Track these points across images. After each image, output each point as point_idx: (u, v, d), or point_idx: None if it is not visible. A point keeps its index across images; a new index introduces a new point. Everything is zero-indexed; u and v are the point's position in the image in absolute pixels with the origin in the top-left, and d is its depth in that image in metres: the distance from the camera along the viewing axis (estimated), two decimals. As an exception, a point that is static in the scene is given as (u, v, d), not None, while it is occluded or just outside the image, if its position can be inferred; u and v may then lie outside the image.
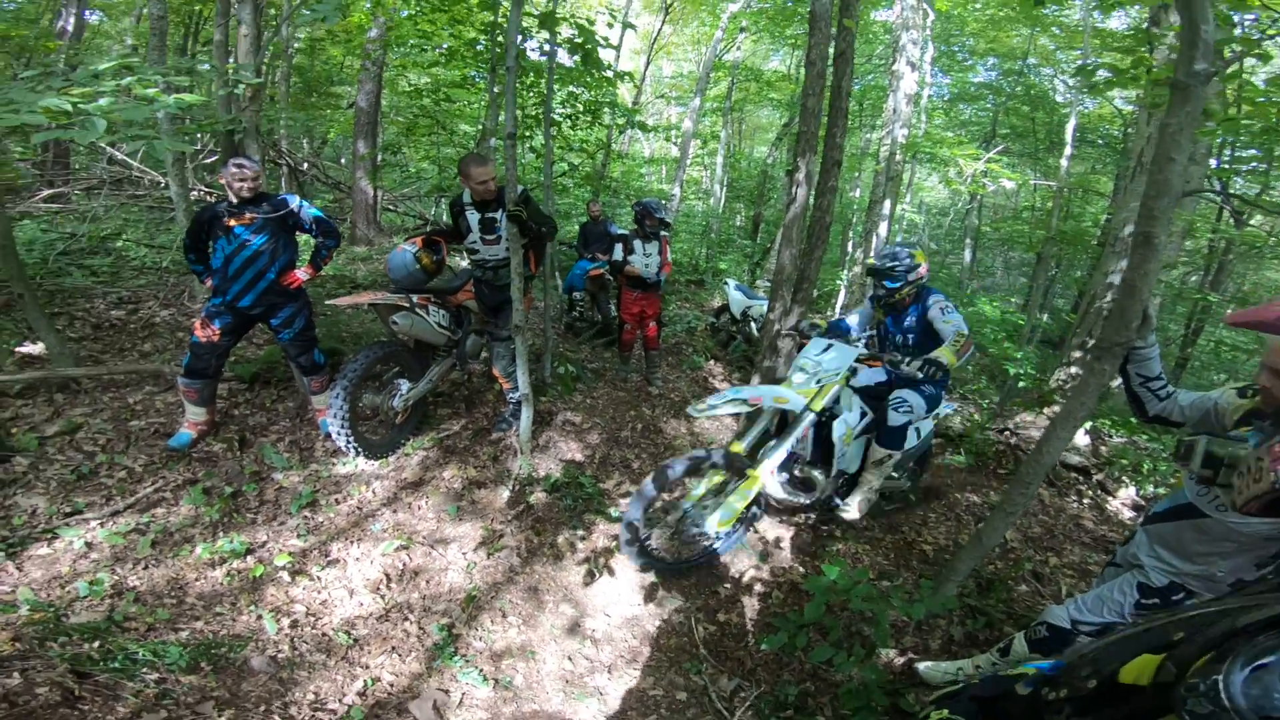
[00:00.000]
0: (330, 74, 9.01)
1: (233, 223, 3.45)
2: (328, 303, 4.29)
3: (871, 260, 4.28)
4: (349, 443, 3.57)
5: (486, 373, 4.75)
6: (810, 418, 3.14)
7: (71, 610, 2.52)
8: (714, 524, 2.85)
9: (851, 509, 3.47)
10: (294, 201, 3.61)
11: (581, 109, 7.03)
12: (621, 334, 5.67)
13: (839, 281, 8.28)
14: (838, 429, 3.27)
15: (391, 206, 9.69)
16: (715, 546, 3.35)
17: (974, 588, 3.32)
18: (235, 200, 3.45)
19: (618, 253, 5.25)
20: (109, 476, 3.27)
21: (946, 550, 3.75)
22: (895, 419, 3.31)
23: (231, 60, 4.79)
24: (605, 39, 4.42)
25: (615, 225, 7.11)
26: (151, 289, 5.21)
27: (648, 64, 13.47)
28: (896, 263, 3.33)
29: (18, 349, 4.09)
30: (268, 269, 3.53)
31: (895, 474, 3.80)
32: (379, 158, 9.10)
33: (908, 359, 3.06)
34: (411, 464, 3.79)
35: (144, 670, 2.22)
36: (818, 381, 3.21)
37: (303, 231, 3.69)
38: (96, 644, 2.29)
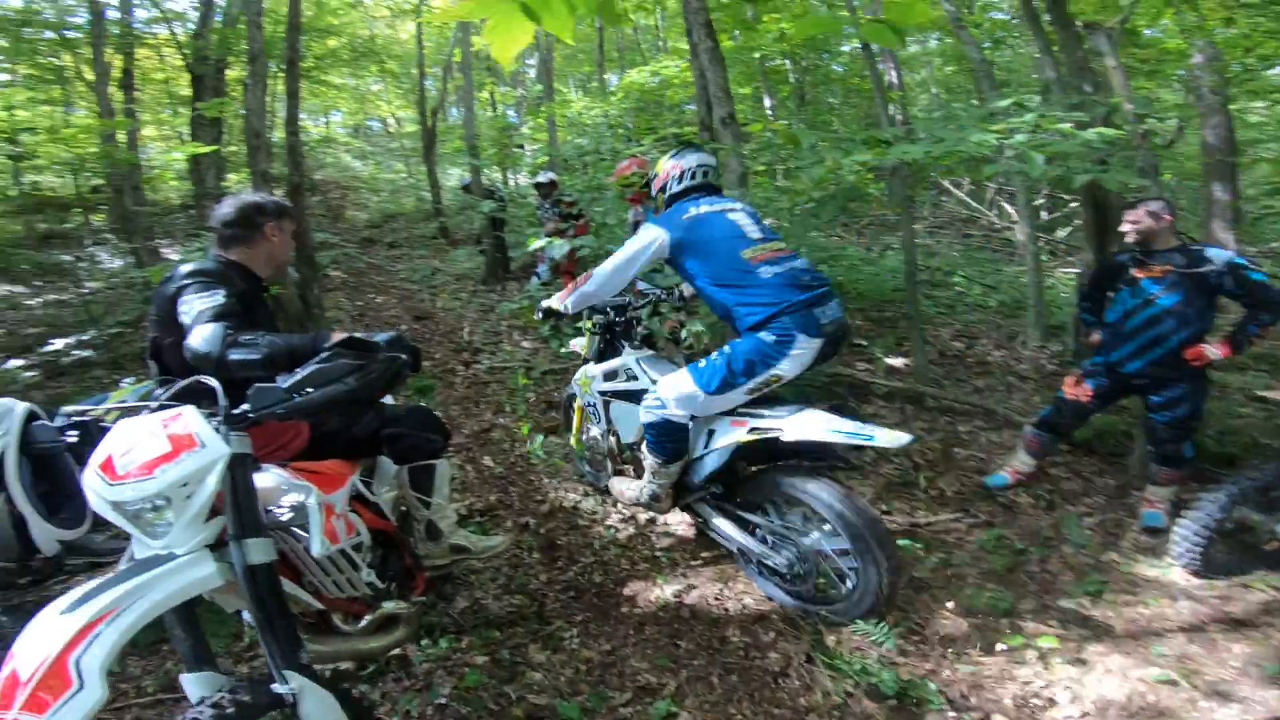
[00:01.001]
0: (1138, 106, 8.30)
1: (1140, 274, 3.11)
2: (1259, 393, 3.63)
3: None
4: (1191, 548, 3.01)
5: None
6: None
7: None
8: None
9: (613, 481, 3.13)
10: (1220, 257, 2.98)
11: None
12: None
13: None
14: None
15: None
16: None
17: None
18: (1141, 248, 3.13)
19: None
20: (923, 491, 3.72)
21: None
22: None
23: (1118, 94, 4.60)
24: None
25: None
26: (985, 327, 5.87)
27: None
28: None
29: (888, 358, 5.31)
30: (1170, 335, 3.06)
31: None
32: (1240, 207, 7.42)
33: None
34: (1248, 599, 3.02)
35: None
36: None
37: (1228, 296, 3.05)
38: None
